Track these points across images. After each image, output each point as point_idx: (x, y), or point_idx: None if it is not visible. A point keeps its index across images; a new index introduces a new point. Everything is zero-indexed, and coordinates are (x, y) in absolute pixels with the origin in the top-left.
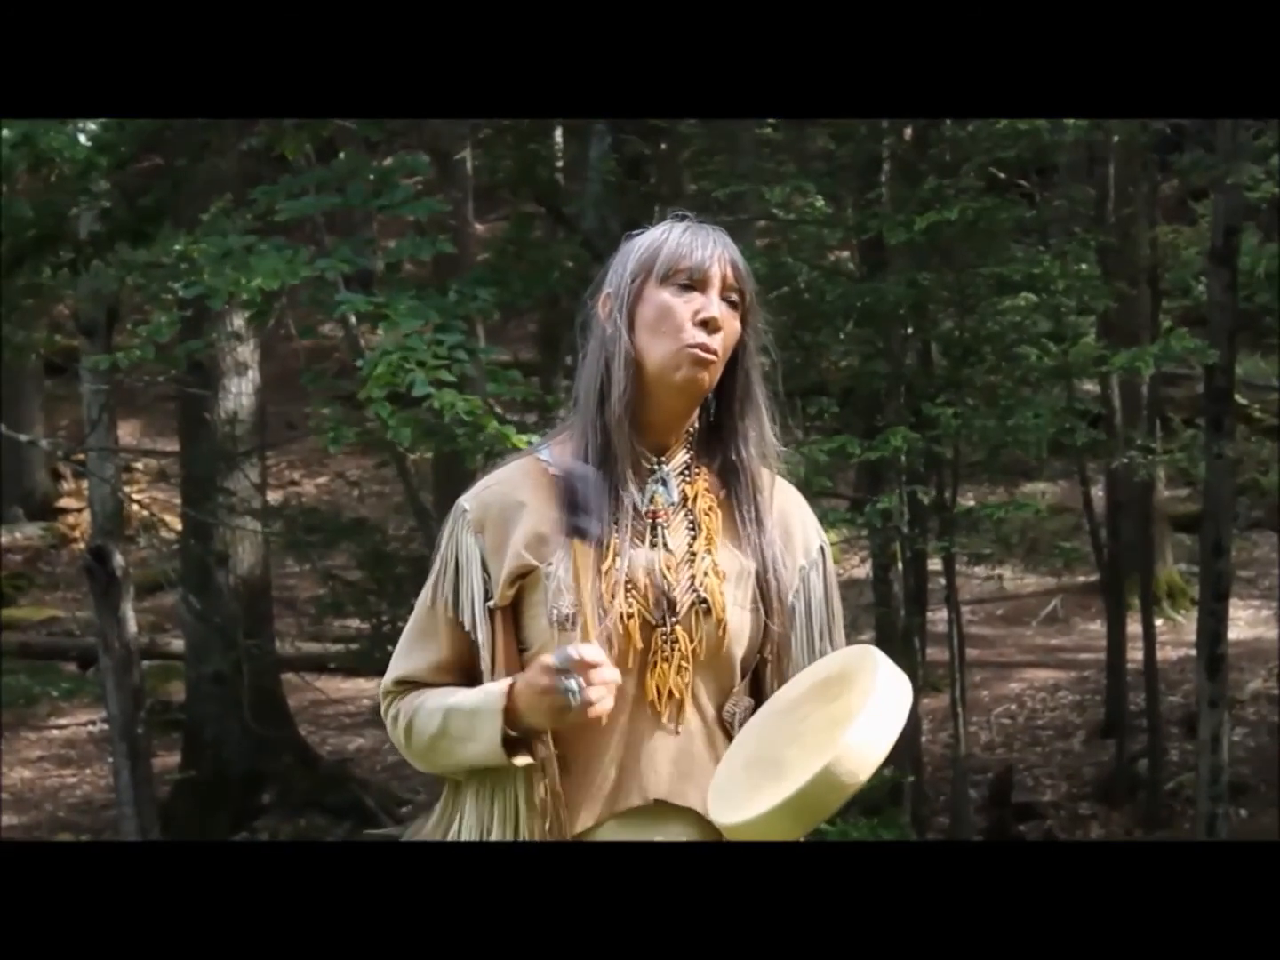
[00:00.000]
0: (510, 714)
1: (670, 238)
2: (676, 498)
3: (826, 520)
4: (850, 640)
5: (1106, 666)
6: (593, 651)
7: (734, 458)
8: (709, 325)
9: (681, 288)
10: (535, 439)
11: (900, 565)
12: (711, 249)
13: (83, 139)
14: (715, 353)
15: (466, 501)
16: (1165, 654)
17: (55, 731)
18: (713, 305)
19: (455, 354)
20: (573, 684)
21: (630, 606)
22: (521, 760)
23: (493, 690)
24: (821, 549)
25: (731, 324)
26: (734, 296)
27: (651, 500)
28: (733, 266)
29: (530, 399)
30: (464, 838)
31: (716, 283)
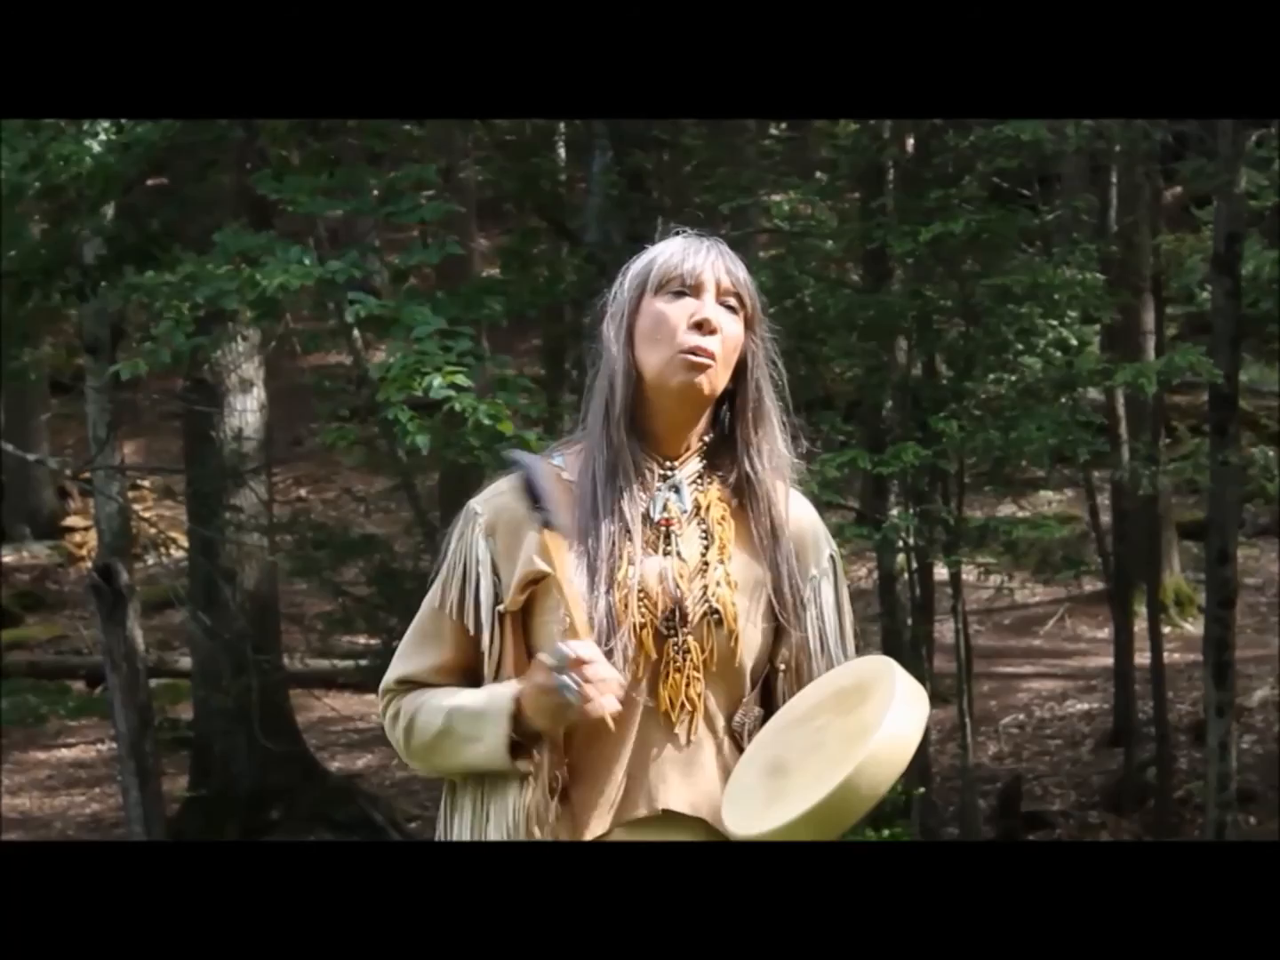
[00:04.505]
0: (517, 717)
1: (665, 250)
2: (689, 506)
3: (842, 535)
4: (859, 651)
5: (1114, 675)
6: (585, 648)
7: (748, 469)
8: (703, 327)
9: (675, 295)
10: (550, 441)
11: (907, 576)
12: (704, 256)
13: (96, 146)
14: (712, 355)
15: (478, 504)
16: (1172, 661)
17: (64, 751)
18: (707, 307)
19: (465, 360)
20: (569, 680)
21: (643, 616)
22: (523, 765)
23: (500, 692)
24: (832, 558)
25: (732, 327)
26: (732, 301)
27: (664, 508)
28: (728, 273)
29: (541, 413)
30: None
31: (711, 287)
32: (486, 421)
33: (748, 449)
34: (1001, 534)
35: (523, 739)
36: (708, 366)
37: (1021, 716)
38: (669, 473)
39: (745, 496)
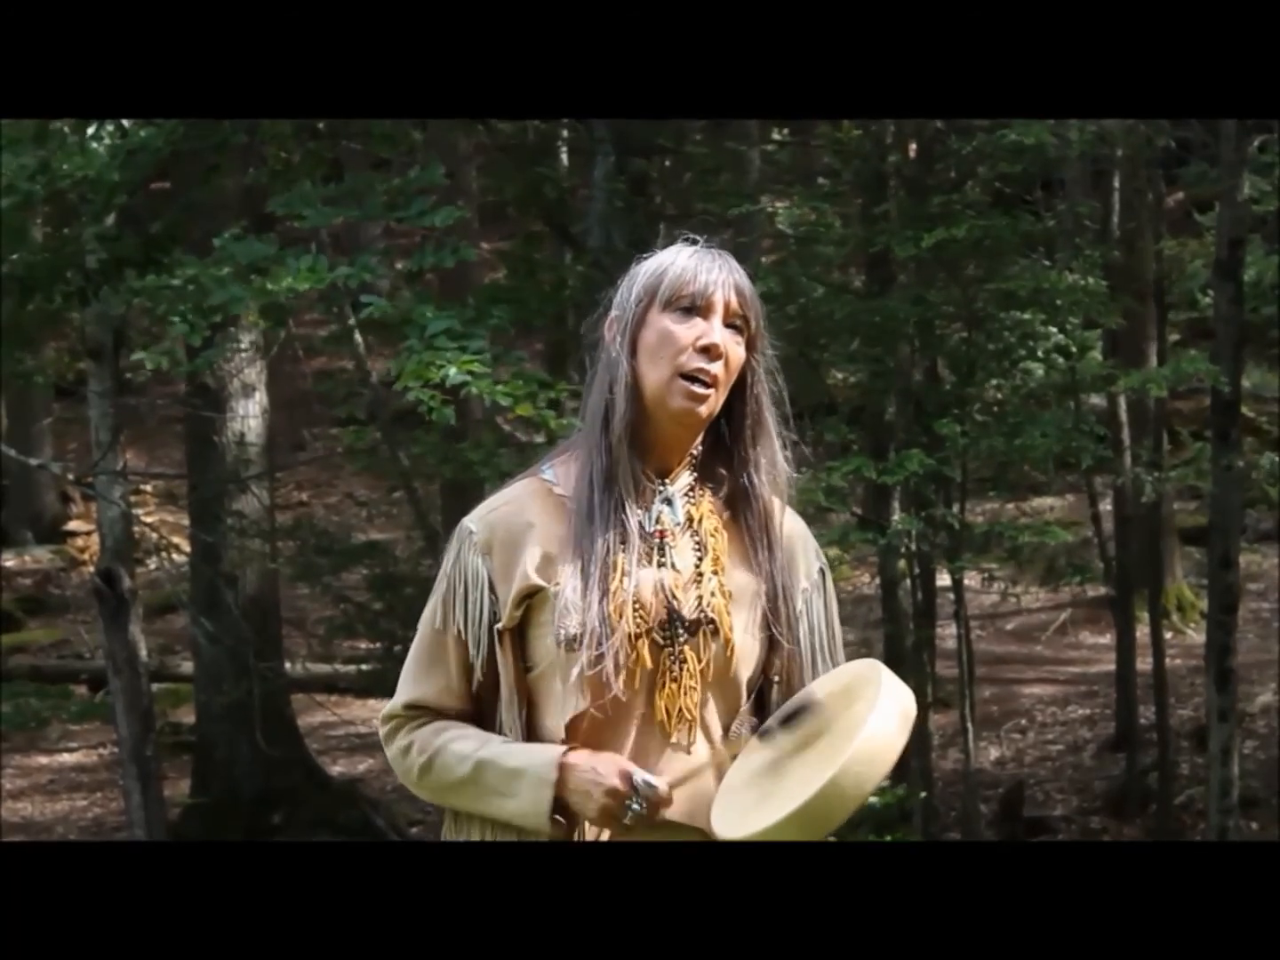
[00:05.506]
0: (559, 786)
1: (676, 262)
2: (682, 518)
3: (846, 539)
4: (855, 658)
5: (1116, 680)
6: (666, 787)
7: (745, 484)
8: (710, 352)
9: (684, 313)
10: (575, 422)
11: (909, 581)
12: (716, 274)
13: (101, 150)
14: (714, 380)
15: (472, 523)
16: (1174, 667)
17: (66, 755)
18: (714, 332)
19: (479, 356)
20: (638, 807)
21: (638, 627)
22: (558, 830)
23: (540, 759)
24: (822, 571)
25: (735, 350)
26: (738, 322)
27: (658, 520)
28: (737, 292)
29: (558, 394)
30: None
31: (720, 309)
32: (504, 403)
33: (745, 463)
34: (1006, 539)
35: (557, 804)
36: (707, 397)
37: (1023, 722)
38: (661, 487)
39: (739, 509)
